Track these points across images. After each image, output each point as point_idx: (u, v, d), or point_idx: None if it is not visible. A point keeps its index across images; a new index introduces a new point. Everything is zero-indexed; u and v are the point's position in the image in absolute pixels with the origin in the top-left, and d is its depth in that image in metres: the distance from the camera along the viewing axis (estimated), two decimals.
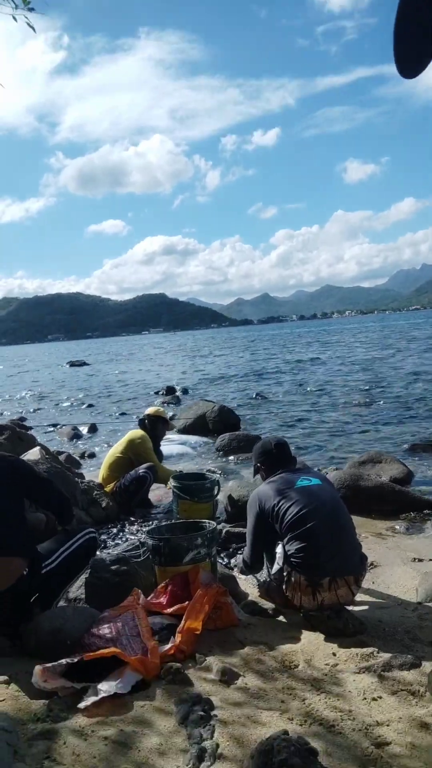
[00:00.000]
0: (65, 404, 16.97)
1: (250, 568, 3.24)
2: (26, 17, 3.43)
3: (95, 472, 6.31)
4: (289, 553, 2.83)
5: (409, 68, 0.54)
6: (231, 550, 4.09)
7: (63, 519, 3.02)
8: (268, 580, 3.05)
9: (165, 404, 14.46)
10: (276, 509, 2.93)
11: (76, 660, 2.27)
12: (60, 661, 2.26)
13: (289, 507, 2.89)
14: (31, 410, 16.01)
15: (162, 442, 6.26)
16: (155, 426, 5.83)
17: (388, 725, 1.95)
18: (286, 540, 2.87)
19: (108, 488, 5.37)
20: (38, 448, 5.25)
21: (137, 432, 5.71)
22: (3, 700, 2.15)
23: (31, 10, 3.43)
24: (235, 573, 3.48)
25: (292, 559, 2.82)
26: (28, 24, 3.42)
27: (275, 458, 3.27)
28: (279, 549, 2.90)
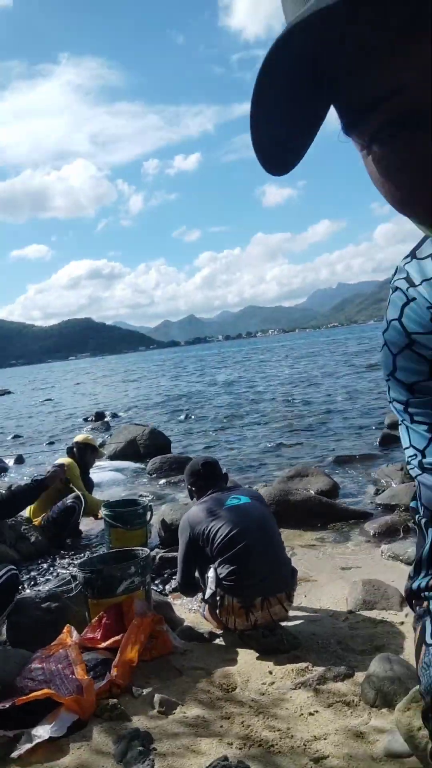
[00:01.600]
0: None
1: (185, 592, 3.23)
2: None
3: None
4: (220, 576, 2.85)
5: (274, 165, 0.47)
6: (165, 576, 4.05)
7: None
8: (203, 603, 3.05)
9: (94, 430, 14.18)
10: (206, 532, 2.94)
11: (7, 706, 2.18)
12: None
13: (218, 529, 2.91)
14: None
15: (92, 470, 6.14)
16: (84, 454, 5.73)
17: (325, 739, 1.99)
18: (217, 563, 2.88)
19: (36, 521, 5.19)
20: None
21: (64, 460, 5.58)
22: None
23: None
24: (170, 599, 3.45)
25: (224, 582, 2.83)
26: None
27: (204, 478, 3.29)
28: (211, 573, 2.91)
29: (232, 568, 2.83)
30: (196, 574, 3.11)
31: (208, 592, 2.90)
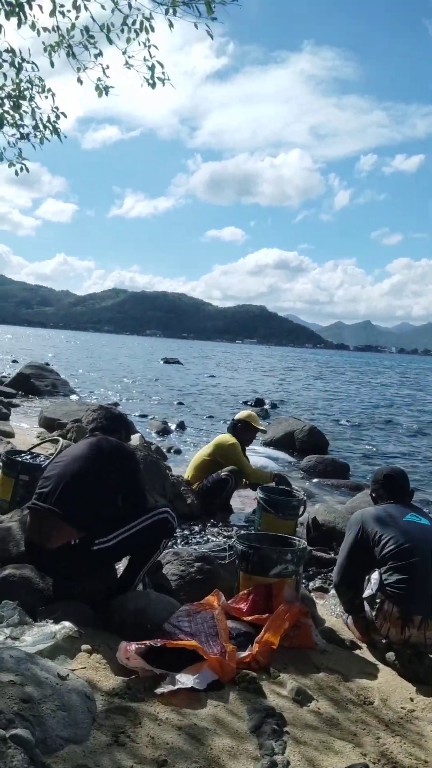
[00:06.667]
0: (156, 398, 17.43)
1: (339, 588, 3.18)
2: (207, 25, 3.57)
3: (181, 468, 6.44)
4: (386, 582, 2.77)
5: None
6: (310, 572, 4.03)
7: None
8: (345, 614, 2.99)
9: None
10: (379, 535, 2.89)
11: (158, 645, 2.34)
12: (144, 642, 2.34)
13: (394, 536, 2.85)
14: (125, 399, 16.59)
15: (248, 451, 6.26)
16: (247, 430, 5.82)
17: None
18: (384, 569, 2.81)
19: (193, 487, 5.46)
20: (139, 435, 5.44)
21: (226, 437, 5.72)
22: (85, 668, 2.25)
23: (214, 19, 3.57)
24: (313, 596, 3.43)
25: (388, 589, 2.76)
26: (208, 32, 3.56)
27: (385, 488, 3.22)
28: (375, 575, 2.84)
29: (401, 577, 2.74)
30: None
31: (367, 593, 2.85)
